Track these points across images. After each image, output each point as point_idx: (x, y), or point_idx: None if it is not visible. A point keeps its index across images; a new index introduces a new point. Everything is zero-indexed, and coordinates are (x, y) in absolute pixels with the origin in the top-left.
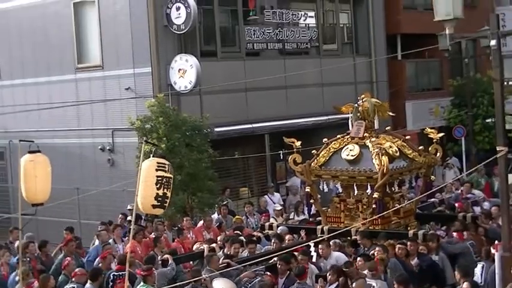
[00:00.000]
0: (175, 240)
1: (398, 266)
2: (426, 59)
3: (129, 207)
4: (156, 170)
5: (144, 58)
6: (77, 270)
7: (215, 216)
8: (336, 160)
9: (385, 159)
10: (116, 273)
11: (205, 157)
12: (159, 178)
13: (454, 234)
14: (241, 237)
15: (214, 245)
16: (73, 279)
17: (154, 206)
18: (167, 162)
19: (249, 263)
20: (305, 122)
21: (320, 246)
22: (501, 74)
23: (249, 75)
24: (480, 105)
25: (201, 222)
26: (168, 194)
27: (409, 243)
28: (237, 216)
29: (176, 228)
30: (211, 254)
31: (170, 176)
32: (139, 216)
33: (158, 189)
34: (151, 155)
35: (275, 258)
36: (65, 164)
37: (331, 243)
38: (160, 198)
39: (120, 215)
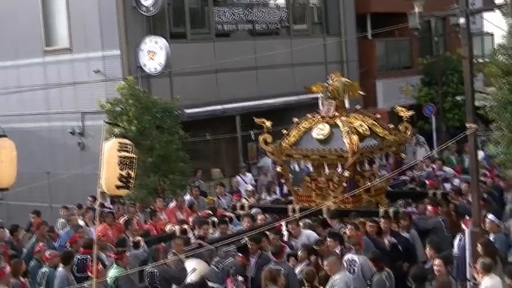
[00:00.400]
0: (148, 222)
1: (370, 244)
2: (396, 38)
3: (100, 190)
4: (118, 150)
5: (113, 40)
6: (47, 253)
7: (187, 197)
8: (307, 140)
9: (355, 138)
10: (80, 257)
11: (176, 139)
12: (121, 159)
13: (429, 207)
14: (214, 218)
15: (185, 226)
16: (46, 263)
17: (118, 187)
18: (129, 142)
19: (220, 243)
20: (276, 102)
21: (290, 225)
22: (470, 52)
23: (219, 56)
24: (450, 83)
25: (173, 203)
26: (132, 174)
27: (382, 220)
28: (209, 197)
29: (149, 210)
30: (176, 236)
31: (133, 156)
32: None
33: (121, 169)
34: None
35: (246, 239)
36: (34, 148)
37: (300, 222)
38: (124, 179)
39: (89, 198)
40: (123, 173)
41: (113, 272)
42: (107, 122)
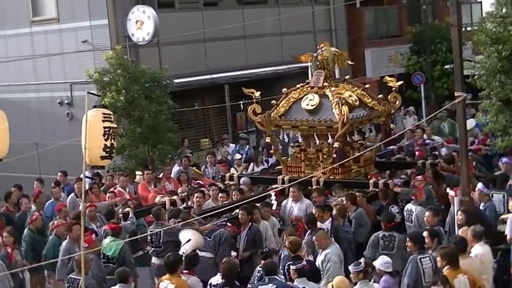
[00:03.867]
0: (153, 191)
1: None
2: (385, 6)
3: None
4: (103, 121)
5: (101, 10)
6: (52, 223)
7: (176, 168)
8: (296, 110)
9: (345, 108)
10: None
11: (164, 109)
12: (106, 129)
13: (418, 177)
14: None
15: (175, 197)
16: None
17: (102, 158)
18: (111, 112)
19: (209, 213)
20: (264, 72)
21: (291, 189)
22: (459, 20)
23: (207, 25)
24: (439, 51)
25: (162, 174)
26: (115, 144)
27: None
28: (194, 169)
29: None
30: (158, 208)
31: (115, 126)
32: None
33: (106, 140)
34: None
35: (237, 210)
36: (23, 118)
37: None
38: (108, 149)
39: (59, 173)
40: (108, 143)
41: (109, 242)
42: (89, 93)
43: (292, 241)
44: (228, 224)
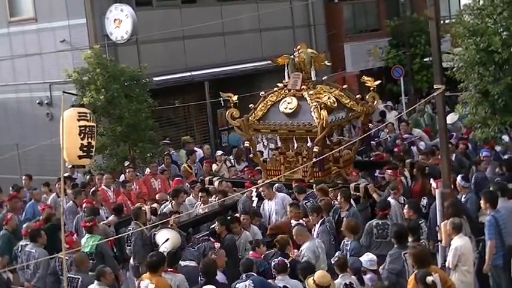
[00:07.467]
0: (122, 192)
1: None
2: (363, 1)
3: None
4: (78, 120)
5: (79, 9)
6: (24, 227)
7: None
8: (274, 113)
9: (324, 113)
10: None
11: (145, 107)
12: (81, 128)
13: (388, 171)
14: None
15: (155, 205)
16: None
17: (80, 157)
18: (88, 111)
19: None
20: (244, 68)
21: (262, 189)
22: (436, 13)
23: (185, 22)
24: (418, 44)
25: (148, 170)
26: (93, 143)
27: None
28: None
29: (120, 180)
30: (138, 207)
31: (93, 124)
32: None
33: (82, 139)
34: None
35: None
36: (3, 119)
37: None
38: (85, 148)
39: (24, 176)
40: (84, 142)
41: (86, 240)
42: (64, 92)
43: (279, 240)
44: (211, 239)
